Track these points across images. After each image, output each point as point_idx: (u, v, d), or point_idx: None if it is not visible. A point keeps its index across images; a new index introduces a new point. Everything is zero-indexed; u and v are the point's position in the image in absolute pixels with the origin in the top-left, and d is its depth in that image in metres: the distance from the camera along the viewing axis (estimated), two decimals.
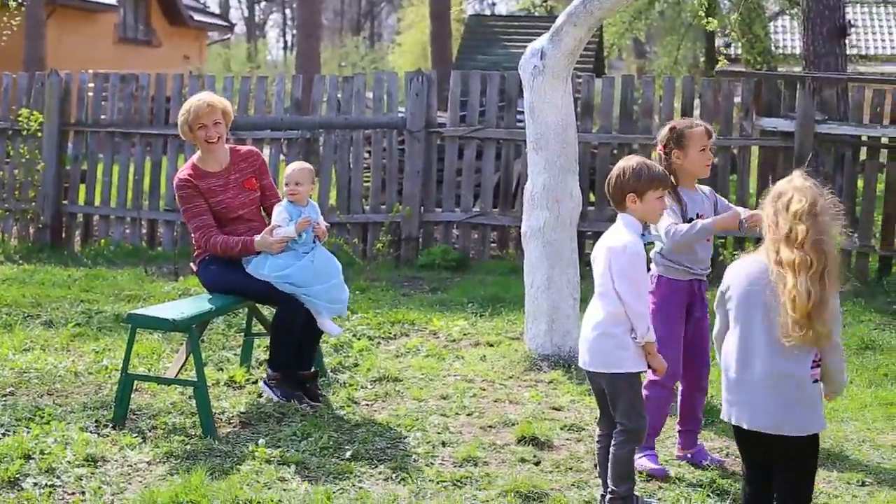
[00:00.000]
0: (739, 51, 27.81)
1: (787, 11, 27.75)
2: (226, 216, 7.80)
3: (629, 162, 5.83)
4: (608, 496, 5.80)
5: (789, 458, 4.98)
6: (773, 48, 27.57)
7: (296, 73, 21.69)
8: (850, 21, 16.42)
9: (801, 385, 4.88)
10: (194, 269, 7.98)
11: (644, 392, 6.53)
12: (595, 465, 6.36)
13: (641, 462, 6.52)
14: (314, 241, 7.66)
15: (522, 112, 9.53)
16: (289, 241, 7.54)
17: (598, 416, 6.07)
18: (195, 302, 7.72)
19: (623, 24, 26.88)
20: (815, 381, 4.91)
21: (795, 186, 4.91)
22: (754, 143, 13.10)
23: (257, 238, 7.58)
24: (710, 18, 14.27)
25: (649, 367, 5.84)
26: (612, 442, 5.77)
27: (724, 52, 29.56)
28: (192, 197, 7.74)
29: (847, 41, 16.20)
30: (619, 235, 5.76)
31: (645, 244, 5.83)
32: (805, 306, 4.71)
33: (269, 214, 7.85)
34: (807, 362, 4.87)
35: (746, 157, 13.24)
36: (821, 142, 12.73)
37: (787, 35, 34.89)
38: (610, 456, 5.78)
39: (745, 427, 5.00)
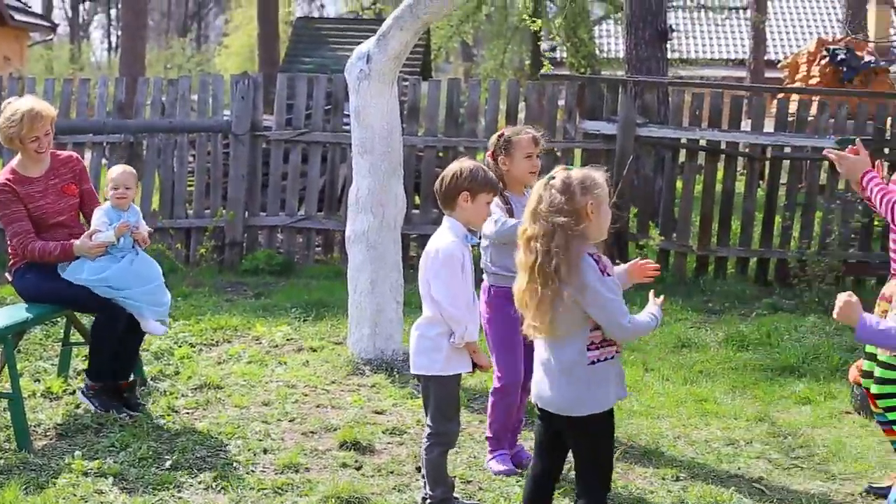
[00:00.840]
0: (565, 54, 28.20)
1: (611, 16, 28.26)
2: (45, 222, 7.64)
3: (466, 163, 5.93)
4: (427, 501, 5.85)
5: (576, 437, 5.11)
6: (597, 52, 28.05)
7: (120, 76, 21.34)
8: (671, 26, 16.78)
9: (571, 368, 4.99)
10: (9, 278, 7.80)
11: (491, 398, 6.74)
12: (418, 468, 6.41)
13: (491, 464, 6.72)
14: (134, 247, 7.57)
15: (349, 115, 9.53)
16: (108, 246, 7.44)
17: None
18: (10, 311, 7.56)
19: (451, 28, 27.03)
20: (592, 363, 5.00)
21: (535, 187, 5.05)
22: (577, 146, 13.32)
23: (76, 242, 7.47)
24: (534, 19, 14.45)
25: (474, 366, 5.93)
26: (423, 445, 5.84)
27: (550, 55, 29.93)
28: (11, 202, 7.57)
29: (668, 45, 16.56)
30: (438, 239, 5.85)
31: (472, 247, 5.91)
32: (520, 301, 4.98)
33: (89, 220, 7.74)
34: (576, 346, 4.98)
35: (570, 160, 13.44)
36: (642, 144, 13.01)
37: (612, 39, 35.52)
38: (423, 460, 5.85)
39: (539, 405, 5.17)
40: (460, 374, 5.95)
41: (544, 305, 4.89)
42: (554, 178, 4.96)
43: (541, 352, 5.13)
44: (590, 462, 5.13)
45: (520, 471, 6.64)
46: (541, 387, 5.12)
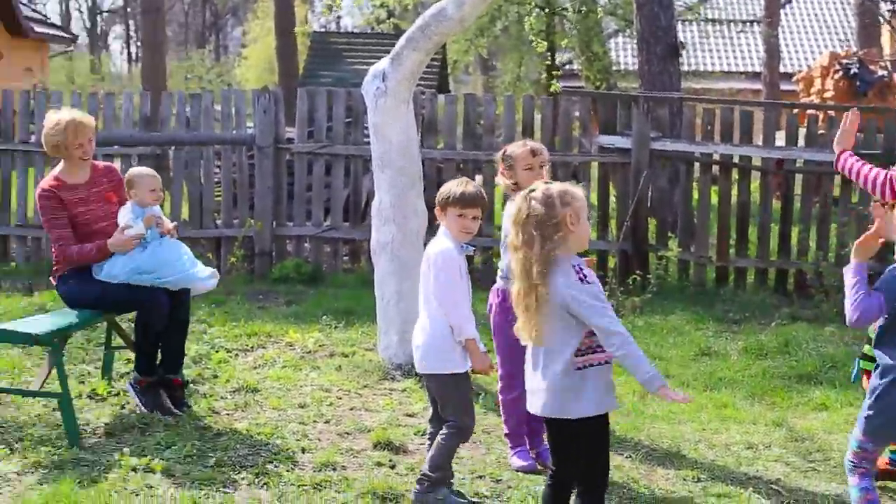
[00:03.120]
0: (580, 67, 28.43)
1: (625, 30, 28.48)
2: (88, 228, 7.96)
3: (451, 182, 6.34)
4: (419, 477, 6.25)
5: (567, 440, 5.39)
6: (612, 65, 28.27)
7: (142, 88, 21.67)
8: (681, 42, 17.06)
9: (560, 373, 5.25)
10: (53, 283, 8.16)
11: (500, 396, 7.04)
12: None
13: (512, 460, 7.08)
14: (161, 237, 7.94)
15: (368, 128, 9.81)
16: (139, 239, 7.79)
17: (431, 415, 6.49)
18: (56, 316, 7.89)
19: (466, 42, 27.28)
20: (579, 368, 5.25)
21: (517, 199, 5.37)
22: (593, 159, 13.59)
23: (109, 241, 7.79)
24: (540, 41, 14.78)
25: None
26: (441, 433, 6.21)
27: (563, 71, 30.14)
28: (54, 208, 7.90)
29: (681, 60, 16.85)
30: (437, 243, 6.22)
31: (466, 255, 6.29)
32: (515, 305, 5.28)
33: None
34: (565, 352, 5.25)
35: (586, 173, 13.73)
36: (657, 157, 13.27)
37: (628, 52, 35.74)
38: (434, 445, 6.22)
39: (534, 412, 5.43)
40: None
41: (531, 312, 5.19)
42: (535, 190, 5.27)
43: (530, 357, 5.41)
44: (586, 463, 5.43)
45: (541, 468, 6.97)
46: (531, 393, 5.41)
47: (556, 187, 5.28)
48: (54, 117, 8.00)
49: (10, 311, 10.89)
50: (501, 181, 7.09)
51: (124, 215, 7.88)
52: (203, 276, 7.97)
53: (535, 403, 5.39)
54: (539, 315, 5.18)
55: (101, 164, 8.35)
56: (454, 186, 6.26)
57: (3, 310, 11.04)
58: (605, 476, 5.53)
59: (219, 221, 13.95)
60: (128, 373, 8.52)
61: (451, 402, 6.21)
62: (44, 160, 13.88)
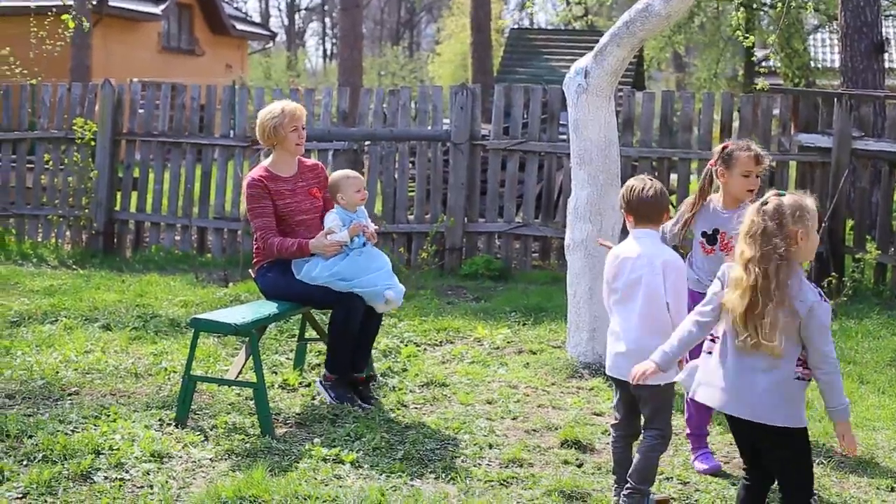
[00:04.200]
0: (778, 64, 27.96)
1: (826, 26, 27.89)
2: (291, 219, 8.17)
3: (658, 184, 6.23)
4: (628, 491, 6.09)
5: (772, 447, 5.31)
6: (812, 62, 27.72)
7: (339, 84, 21.97)
8: (887, 38, 16.62)
9: (780, 381, 5.17)
10: (253, 275, 8.34)
11: (692, 403, 6.95)
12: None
13: (696, 464, 6.99)
14: (364, 245, 8.04)
15: (564, 125, 9.77)
16: (342, 245, 7.90)
17: (619, 419, 6.37)
18: (254, 307, 8.02)
19: (663, 38, 27.08)
20: (798, 378, 5.19)
21: (748, 211, 5.28)
22: (792, 159, 13.35)
23: (312, 241, 7.94)
24: (747, 35, 14.47)
25: None
26: (646, 444, 6.10)
27: (764, 66, 29.61)
28: (261, 198, 8.11)
29: (885, 57, 16.42)
30: (664, 250, 6.14)
31: None
32: (737, 318, 5.17)
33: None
34: (789, 362, 5.16)
35: (784, 173, 13.47)
36: (858, 157, 12.96)
37: (827, 48, 35.01)
38: (641, 457, 6.09)
39: (732, 413, 5.34)
40: None
41: (768, 322, 5.08)
42: (767, 203, 5.17)
43: (744, 363, 5.26)
44: (788, 473, 5.34)
45: (723, 468, 6.91)
46: (739, 395, 5.26)
47: (788, 202, 5.17)
48: (269, 107, 8.26)
49: (206, 302, 11.20)
50: (714, 177, 6.94)
51: (331, 220, 8.02)
52: (391, 295, 7.99)
53: (741, 405, 5.27)
54: (777, 326, 5.08)
55: (308, 161, 8.53)
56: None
57: (200, 300, 11.34)
58: (810, 486, 5.41)
59: (411, 217, 14.10)
60: (319, 364, 8.64)
61: (664, 410, 6.11)
62: (243, 154, 14.23)
